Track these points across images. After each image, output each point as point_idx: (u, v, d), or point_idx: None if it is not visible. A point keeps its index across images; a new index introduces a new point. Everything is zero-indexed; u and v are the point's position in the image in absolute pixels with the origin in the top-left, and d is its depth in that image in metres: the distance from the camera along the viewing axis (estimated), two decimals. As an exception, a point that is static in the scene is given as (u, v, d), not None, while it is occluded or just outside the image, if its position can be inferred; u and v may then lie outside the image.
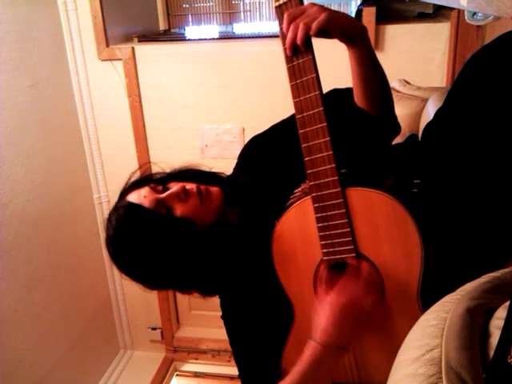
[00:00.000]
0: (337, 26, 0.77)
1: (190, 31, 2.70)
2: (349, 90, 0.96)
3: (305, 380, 0.76)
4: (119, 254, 0.92)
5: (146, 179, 0.97)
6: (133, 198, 0.90)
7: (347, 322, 0.75)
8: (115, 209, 0.91)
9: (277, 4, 0.77)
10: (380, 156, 0.97)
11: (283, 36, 0.76)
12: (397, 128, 1.01)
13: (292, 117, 0.94)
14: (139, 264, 0.91)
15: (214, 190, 0.92)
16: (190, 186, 0.90)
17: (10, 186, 1.98)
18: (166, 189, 0.91)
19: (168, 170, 1.02)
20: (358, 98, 0.93)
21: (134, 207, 0.88)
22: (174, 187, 0.90)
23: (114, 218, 0.90)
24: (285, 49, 0.76)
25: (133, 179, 0.98)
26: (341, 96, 0.97)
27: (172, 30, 2.69)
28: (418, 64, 2.03)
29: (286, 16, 0.75)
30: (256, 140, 1.07)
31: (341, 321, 0.75)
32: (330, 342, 0.75)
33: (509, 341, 0.42)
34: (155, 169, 1.04)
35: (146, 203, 0.87)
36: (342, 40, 0.81)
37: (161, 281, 0.95)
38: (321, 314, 0.77)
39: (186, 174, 1.01)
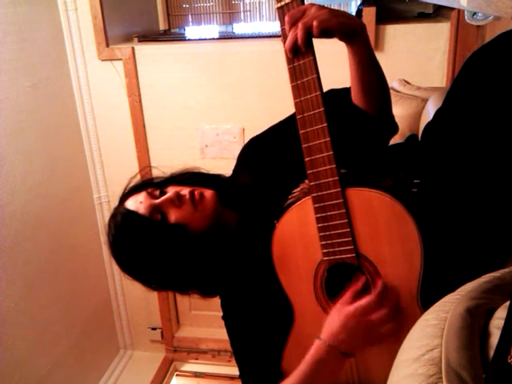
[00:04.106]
0: (336, 24, 0.76)
1: (190, 31, 2.70)
2: (346, 90, 0.96)
3: (306, 380, 0.76)
4: (119, 257, 0.96)
5: (144, 184, 1.00)
6: (130, 203, 0.94)
7: (357, 334, 0.76)
8: (113, 216, 0.95)
9: (278, 5, 0.77)
10: (379, 156, 0.97)
11: (285, 37, 0.76)
12: (394, 128, 1.01)
13: (290, 118, 0.94)
14: (138, 267, 0.95)
15: (209, 195, 0.93)
16: (184, 191, 0.92)
17: (10, 186, 1.98)
18: (163, 193, 0.94)
19: (168, 173, 1.04)
20: (356, 97, 0.93)
21: (129, 214, 0.92)
22: (169, 193, 0.92)
23: (113, 224, 0.94)
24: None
25: (132, 184, 1.01)
26: (338, 96, 0.97)
27: (172, 30, 2.69)
28: (418, 64, 2.03)
29: (286, 18, 0.76)
30: (254, 141, 1.08)
31: (351, 330, 0.76)
32: (336, 345, 0.76)
33: (509, 341, 0.42)
34: (155, 173, 1.06)
35: (142, 209, 0.91)
36: (342, 38, 0.81)
37: (159, 283, 0.99)
38: (334, 317, 0.78)
39: (185, 176, 1.02)
